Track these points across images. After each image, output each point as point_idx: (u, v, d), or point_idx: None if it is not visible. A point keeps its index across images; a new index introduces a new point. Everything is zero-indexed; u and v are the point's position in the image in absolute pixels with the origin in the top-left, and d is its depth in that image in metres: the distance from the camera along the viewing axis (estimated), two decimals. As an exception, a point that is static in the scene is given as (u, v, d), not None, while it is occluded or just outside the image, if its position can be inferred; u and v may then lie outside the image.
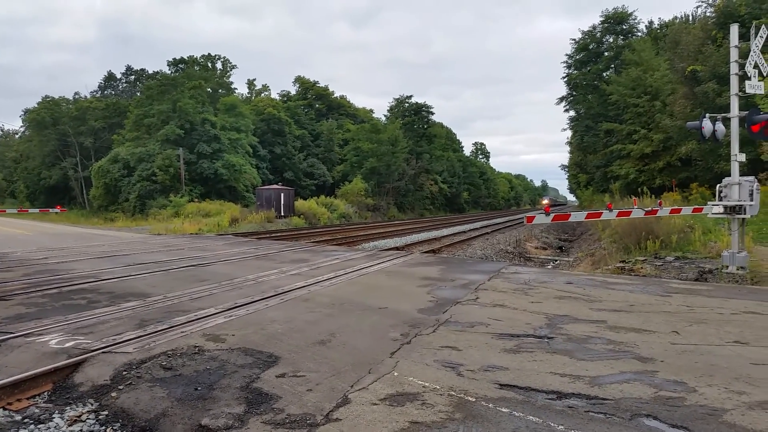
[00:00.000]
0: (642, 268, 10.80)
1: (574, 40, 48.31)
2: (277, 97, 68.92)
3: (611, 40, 46.87)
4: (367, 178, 53.41)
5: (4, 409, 3.72)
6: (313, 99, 72.67)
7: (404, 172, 59.48)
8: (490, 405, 3.46)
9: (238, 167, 43.44)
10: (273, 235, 23.11)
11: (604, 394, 3.67)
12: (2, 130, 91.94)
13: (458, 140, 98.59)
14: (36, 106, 62.01)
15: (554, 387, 3.80)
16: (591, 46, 47.28)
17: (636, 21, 46.18)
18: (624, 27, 46.13)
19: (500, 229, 31.75)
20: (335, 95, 75.37)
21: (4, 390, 3.83)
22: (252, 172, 45.83)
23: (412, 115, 67.49)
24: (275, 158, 54.59)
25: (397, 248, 18.33)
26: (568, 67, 49.44)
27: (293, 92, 73.00)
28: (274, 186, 37.25)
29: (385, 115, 72.49)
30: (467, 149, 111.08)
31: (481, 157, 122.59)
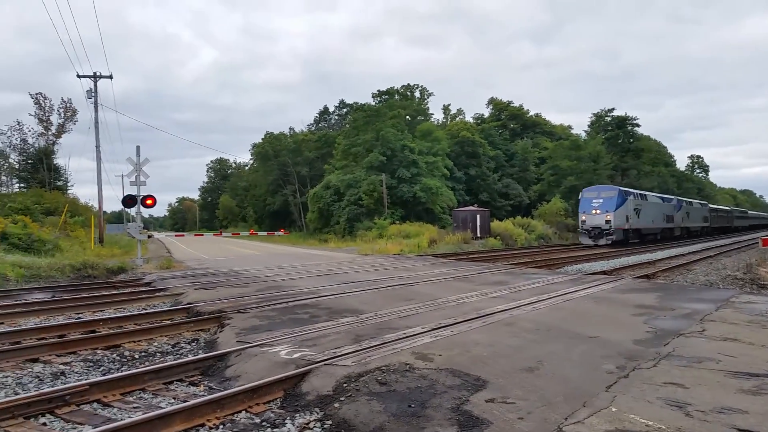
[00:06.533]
0: None
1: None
2: (471, 120, 69.75)
3: None
4: (566, 197, 50.87)
5: (247, 411, 4.27)
6: (507, 119, 72.01)
7: (608, 190, 55.38)
8: (733, 457, 3.04)
9: (434, 190, 44.83)
10: (470, 256, 23.25)
11: None
12: (235, 163, 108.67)
13: (669, 153, 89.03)
14: (261, 140, 71.78)
15: (817, 444, 3.20)
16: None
17: None
18: None
19: (725, 252, 27.70)
20: (530, 114, 73.81)
21: (246, 394, 4.41)
22: (448, 194, 46.87)
23: (614, 129, 62.83)
24: (470, 180, 55.13)
25: (604, 272, 17.08)
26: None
27: (486, 114, 73.28)
28: (470, 207, 37.51)
29: (585, 131, 68.67)
30: (680, 163, 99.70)
31: (698, 171, 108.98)
